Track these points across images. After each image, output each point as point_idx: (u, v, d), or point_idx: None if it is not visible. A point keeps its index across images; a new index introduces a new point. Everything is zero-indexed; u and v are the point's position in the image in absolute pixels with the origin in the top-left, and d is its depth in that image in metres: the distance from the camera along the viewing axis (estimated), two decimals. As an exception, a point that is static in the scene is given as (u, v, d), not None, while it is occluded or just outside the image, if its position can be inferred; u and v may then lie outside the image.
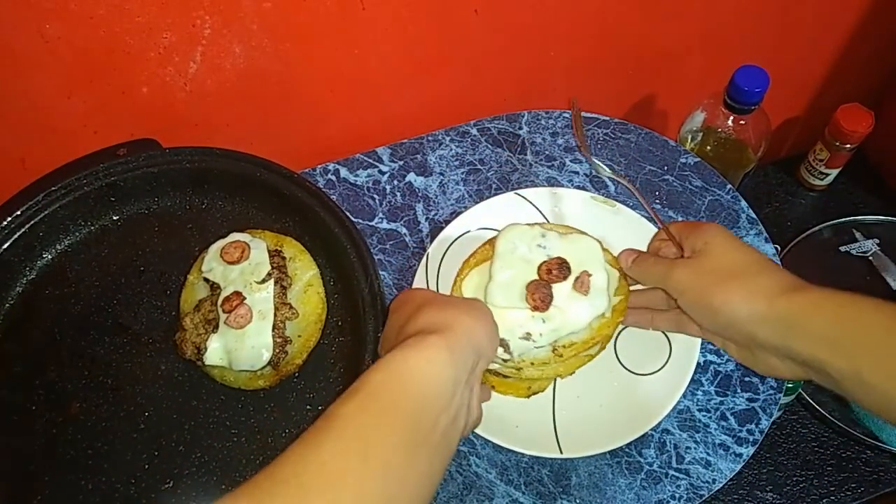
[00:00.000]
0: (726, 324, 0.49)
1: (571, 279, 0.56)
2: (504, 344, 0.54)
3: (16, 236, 0.62)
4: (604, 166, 0.64)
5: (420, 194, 0.72)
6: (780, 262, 0.70)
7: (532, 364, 0.55)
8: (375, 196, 0.72)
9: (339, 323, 0.61)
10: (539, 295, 0.55)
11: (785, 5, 0.84)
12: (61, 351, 0.60)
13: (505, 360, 0.55)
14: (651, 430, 0.58)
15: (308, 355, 0.59)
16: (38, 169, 0.64)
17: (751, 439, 0.59)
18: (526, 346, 0.54)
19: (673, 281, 0.52)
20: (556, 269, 0.56)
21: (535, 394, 0.59)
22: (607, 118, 0.76)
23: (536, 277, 0.56)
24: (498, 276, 0.57)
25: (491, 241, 0.61)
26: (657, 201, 0.70)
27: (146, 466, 0.55)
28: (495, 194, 0.69)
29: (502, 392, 0.60)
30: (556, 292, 0.56)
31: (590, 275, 0.56)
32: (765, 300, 0.47)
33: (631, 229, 0.66)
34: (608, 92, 0.89)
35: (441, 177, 0.73)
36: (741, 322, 0.48)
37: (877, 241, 0.97)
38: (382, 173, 0.74)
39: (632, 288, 0.59)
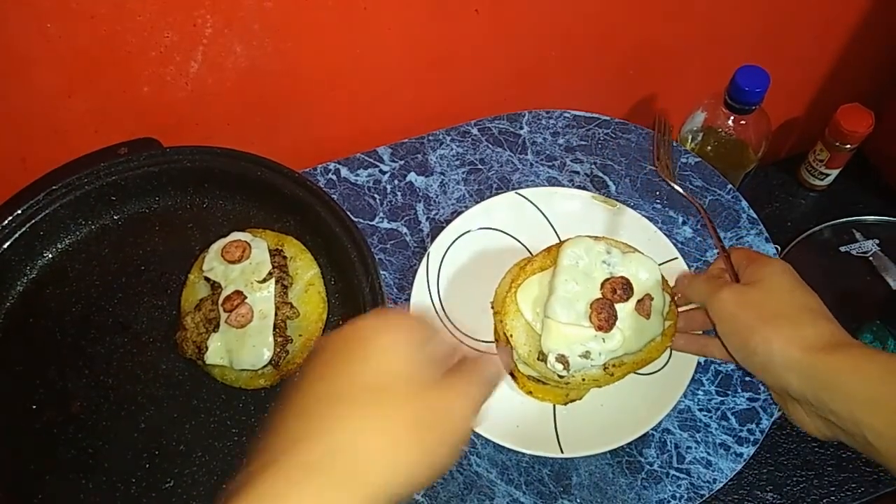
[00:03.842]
0: (760, 366, 0.47)
1: (634, 301, 0.55)
2: (563, 360, 0.53)
3: (17, 235, 0.62)
4: (677, 187, 0.64)
5: (421, 194, 0.72)
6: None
7: (583, 380, 0.55)
8: (376, 195, 0.72)
9: (341, 322, 0.61)
10: (605, 315, 0.54)
11: (785, 5, 0.84)
12: (62, 350, 0.60)
13: (561, 377, 0.54)
14: (652, 429, 0.58)
15: (309, 354, 0.58)
16: (38, 168, 0.64)
17: (751, 439, 0.59)
18: (583, 363, 0.53)
19: (717, 302, 0.49)
20: (621, 289, 0.55)
21: (572, 401, 0.59)
22: (608, 118, 0.76)
23: (599, 295, 0.55)
24: (560, 291, 0.55)
25: (549, 249, 0.60)
26: (658, 202, 0.70)
27: (147, 465, 0.55)
28: (496, 194, 0.69)
29: (540, 398, 0.59)
30: (618, 312, 0.54)
31: (652, 298, 0.55)
32: (804, 352, 0.45)
33: (632, 230, 0.66)
34: (609, 92, 0.89)
35: (442, 176, 0.73)
36: (776, 369, 0.46)
37: (877, 241, 0.97)
38: (383, 173, 0.74)
39: (680, 309, 0.58)
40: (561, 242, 0.58)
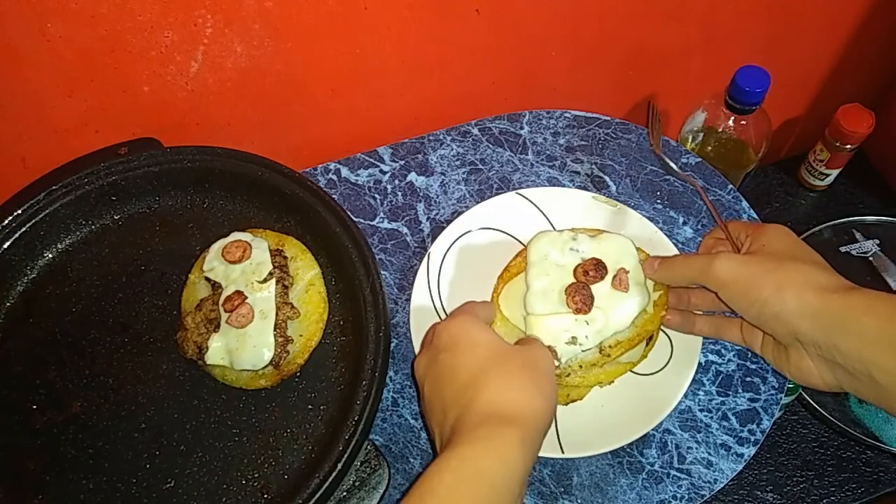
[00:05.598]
0: (772, 315, 0.48)
1: (609, 278, 0.56)
2: (552, 351, 0.54)
3: (17, 235, 0.62)
4: (672, 164, 0.66)
5: (421, 194, 0.72)
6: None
7: (580, 367, 0.55)
8: (376, 196, 0.72)
9: (341, 322, 0.61)
10: (580, 297, 0.54)
11: (786, 5, 0.84)
12: (62, 350, 0.60)
13: (556, 367, 0.54)
14: (652, 430, 0.58)
15: (310, 355, 0.58)
16: (38, 168, 0.64)
17: (752, 439, 0.59)
18: (573, 350, 0.54)
19: (716, 272, 0.50)
20: (593, 269, 0.56)
21: (573, 401, 0.59)
22: (608, 118, 0.76)
23: (573, 280, 0.55)
24: (534, 285, 0.56)
25: (521, 254, 0.61)
26: (658, 202, 0.70)
27: (147, 466, 0.55)
28: (496, 194, 0.69)
29: None
30: (595, 293, 0.55)
31: (627, 271, 0.56)
32: (817, 295, 0.46)
33: (633, 229, 0.66)
34: (609, 92, 0.89)
35: (442, 176, 0.73)
36: (789, 314, 0.47)
37: (877, 241, 0.97)
38: (384, 173, 0.74)
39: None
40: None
